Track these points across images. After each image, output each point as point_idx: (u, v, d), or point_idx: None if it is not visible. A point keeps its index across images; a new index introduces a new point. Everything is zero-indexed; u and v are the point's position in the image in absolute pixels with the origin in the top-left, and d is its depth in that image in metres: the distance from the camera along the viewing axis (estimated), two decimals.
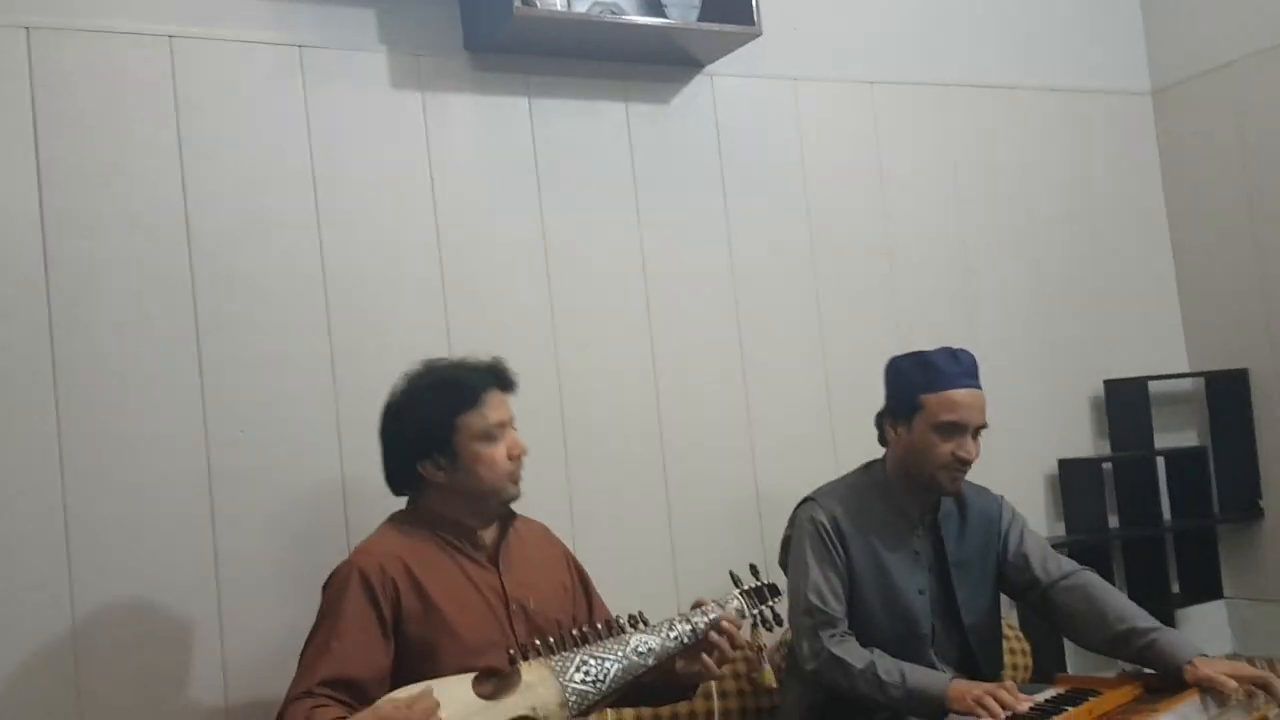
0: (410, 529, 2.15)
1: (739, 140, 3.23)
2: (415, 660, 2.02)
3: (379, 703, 1.84)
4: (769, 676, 2.35)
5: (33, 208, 2.38)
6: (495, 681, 1.98)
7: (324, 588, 2.09)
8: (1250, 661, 2.42)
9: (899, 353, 2.53)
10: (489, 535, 2.20)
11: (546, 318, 2.91)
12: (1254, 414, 3.82)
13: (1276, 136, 3.72)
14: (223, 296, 2.54)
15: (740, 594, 2.23)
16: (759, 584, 2.28)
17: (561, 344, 2.91)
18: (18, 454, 2.32)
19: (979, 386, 2.42)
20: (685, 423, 3.07)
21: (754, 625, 2.25)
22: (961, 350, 2.44)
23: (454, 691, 1.94)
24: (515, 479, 2.17)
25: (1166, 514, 3.79)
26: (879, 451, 2.56)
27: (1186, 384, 3.91)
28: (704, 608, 2.16)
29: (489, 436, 2.12)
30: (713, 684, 2.63)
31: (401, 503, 2.23)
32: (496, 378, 2.18)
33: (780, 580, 2.49)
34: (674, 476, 3.04)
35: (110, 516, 2.38)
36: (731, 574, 2.27)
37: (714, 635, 2.11)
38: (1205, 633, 3.68)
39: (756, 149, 3.26)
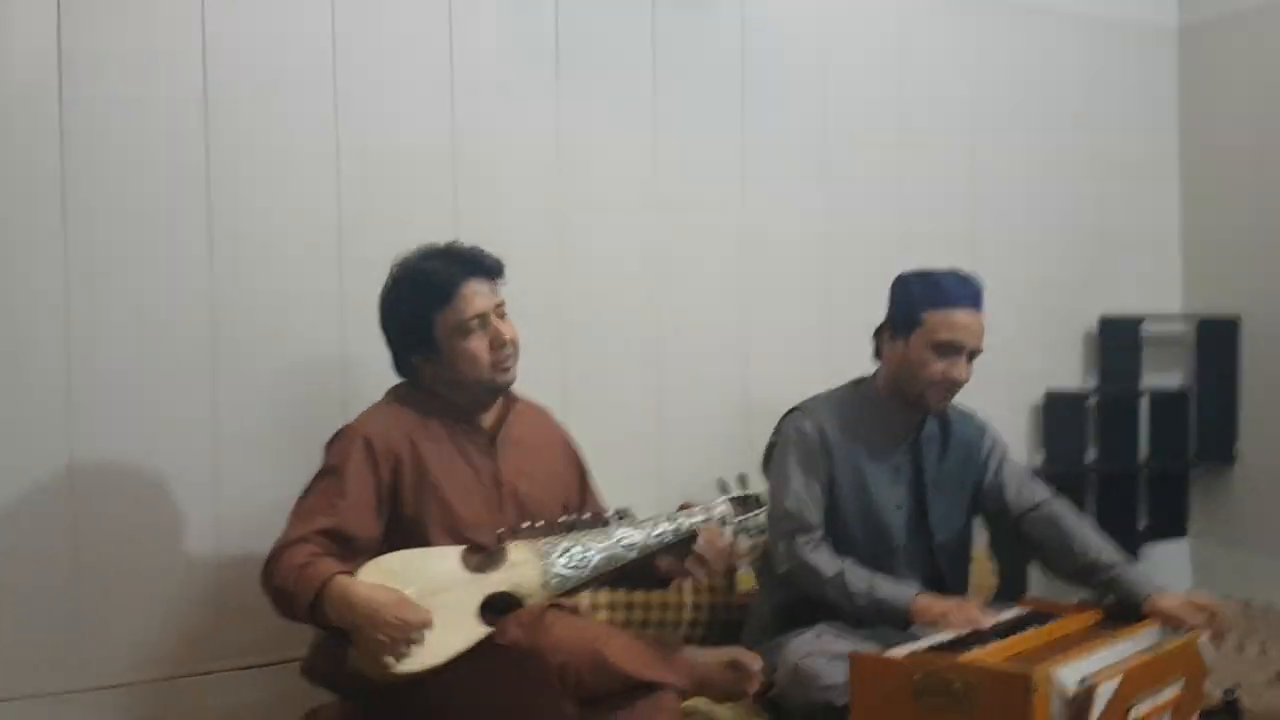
0: (414, 404, 2.19)
1: (762, 45, 3.21)
2: (407, 531, 2.08)
3: (379, 597, 1.88)
4: (748, 580, 2.41)
5: (50, 47, 2.36)
6: (482, 556, 2.05)
7: (328, 445, 2.13)
8: None
9: (899, 271, 2.55)
10: (489, 418, 2.24)
11: (554, 205, 2.92)
12: (1240, 362, 3.88)
13: None
14: (234, 154, 2.54)
15: (726, 500, 2.28)
16: (745, 493, 2.33)
17: (567, 233, 2.92)
18: (25, 304, 2.35)
19: (980, 311, 2.44)
20: (683, 323, 3.11)
21: (736, 532, 2.31)
22: (969, 274, 2.46)
23: (443, 559, 2.02)
24: (502, 367, 2.18)
25: (1144, 451, 3.87)
26: (871, 368, 2.60)
27: (1178, 326, 3.96)
28: (689, 510, 2.22)
29: (466, 330, 2.12)
30: (688, 587, 2.72)
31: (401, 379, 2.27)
32: (475, 267, 2.15)
33: (764, 486, 2.54)
34: (668, 375, 3.08)
35: (112, 370, 2.42)
36: (719, 481, 2.32)
37: (698, 544, 2.17)
38: (1167, 569, 3.79)
39: (779, 54, 3.23)
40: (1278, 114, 3.78)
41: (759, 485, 2.43)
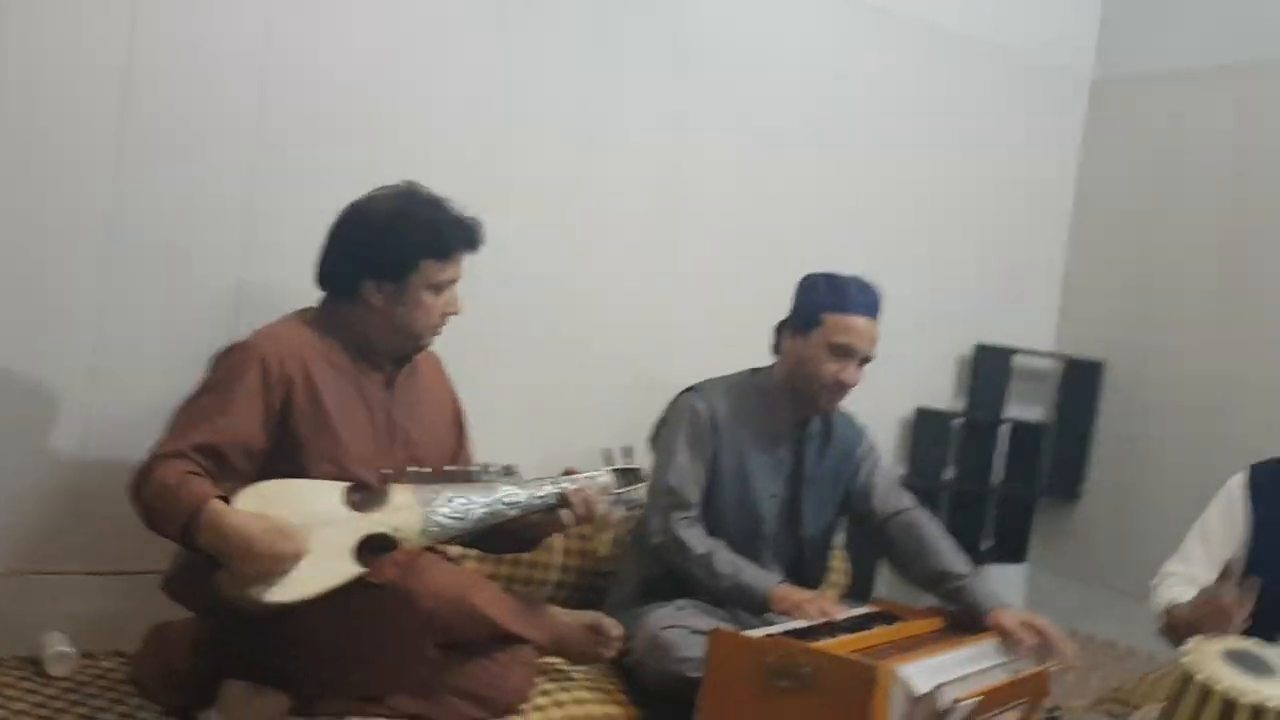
0: (320, 330, 2.16)
1: (703, 20, 3.26)
2: (291, 458, 2.06)
3: (253, 526, 1.85)
4: (604, 546, 2.43)
5: None
6: (365, 495, 2.04)
7: (218, 356, 2.08)
8: None
9: (801, 272, 2.63)
10: (392, 366, 2.23)
11: (484, 154, 2.91)
12: (1099, 404, 4.10)
13: (1199, 154, 3.92)
14: (156, 58, 2.46)
15: (610, 471, 2.33)
16: (629, 466, 2.38)
17: (487, 189, 2.90)
18: None
19: (877, 320, 2.54)
20: (587, 294, 3.15)
21: (613, 502, 2.35)
22: (872, 283, 2.56)
23: (324, 493, 2.00)
24: (437, 331, 2.21)
25: (998, 476, 4.06)
26: (767, 360, 2.68)
27: (1047, 363, 4.16)
28: (573, 476, 2.26)
29: (439, 288, 2.15)
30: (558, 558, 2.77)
31: (301, 303, 2.23)
32: (473, 239, 2.19)
33: (648, 460, 2.59)
34: (565, 343, 3.12)
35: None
36: (605, 450, 2.36)
37: (580, 505, 2.21)
38: (1002, 591, 3.97)
39: (716, 48, 3.29)
40: (1171, 179, 3.99)
41: (643, 460, 2.49)
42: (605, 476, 2.30)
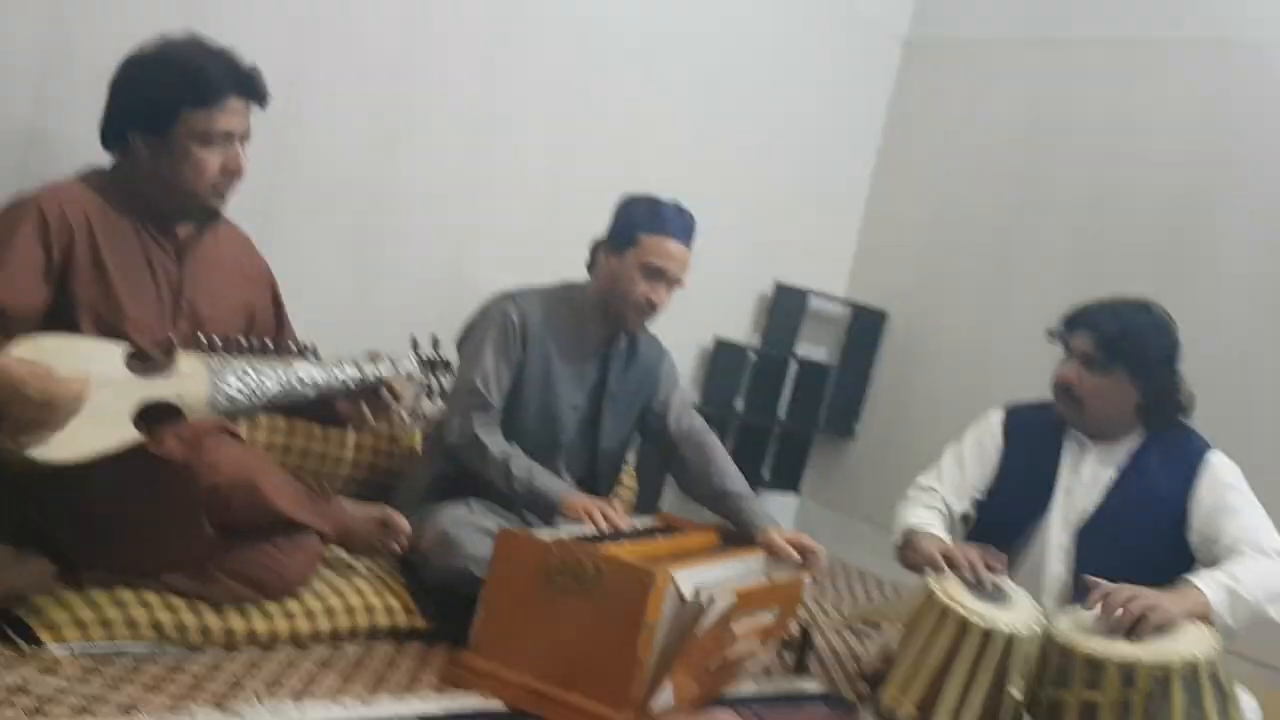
0: (106, 191, 2.05)
1: None
2: (68, 316, 1.96)
3: (23, 370, 1.75)
4: (415, 439, 2.45)
5: None
6: (150, 360, 1.96)
7: None
8: None
9: (618, 194, 2.68)
10: (183, 230, 2.13)
11: (293, 29, 2.79)
12: (879, 352, 4.35)
13: (995, 122, 4.16)
14: None
15: (416, 359, 2.32)
16: (437, 357, 2.38)
17: (299, 57, 2.80)
18: None
19: (689, 247, 2.62)
20: (409, 191, 3.10)
21: (418, 392, 2.36)
22: (687, 211, 2.63)
23: (106, 353, 1.92)
24: (220, 192, 2.09)
25: (782, 411, 4.26)
26: (583, 275, 2.72)
27: (837, 307, 4.37)
28: (377, 360, 2.24)
29: (208, 140, 2.02)
30: (351, 441, 2.75)
31: (98, 162, 2.11)
32: (245, 85, 2.06)
33: (455, 357, 2.60)
34: (375, 229, 3.07)
35: None
36: (413, 338, 2.36)
37: (383, 391, 2.20)
38: (773, 514, 4.20)
39: None
40: (968, 144, 4.23)
41: (450, 353, 2.49)
42: (410, 364, 2.29)
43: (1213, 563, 2.35)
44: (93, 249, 1.99)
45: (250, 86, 2.07)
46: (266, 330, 2.27)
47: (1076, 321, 2.54)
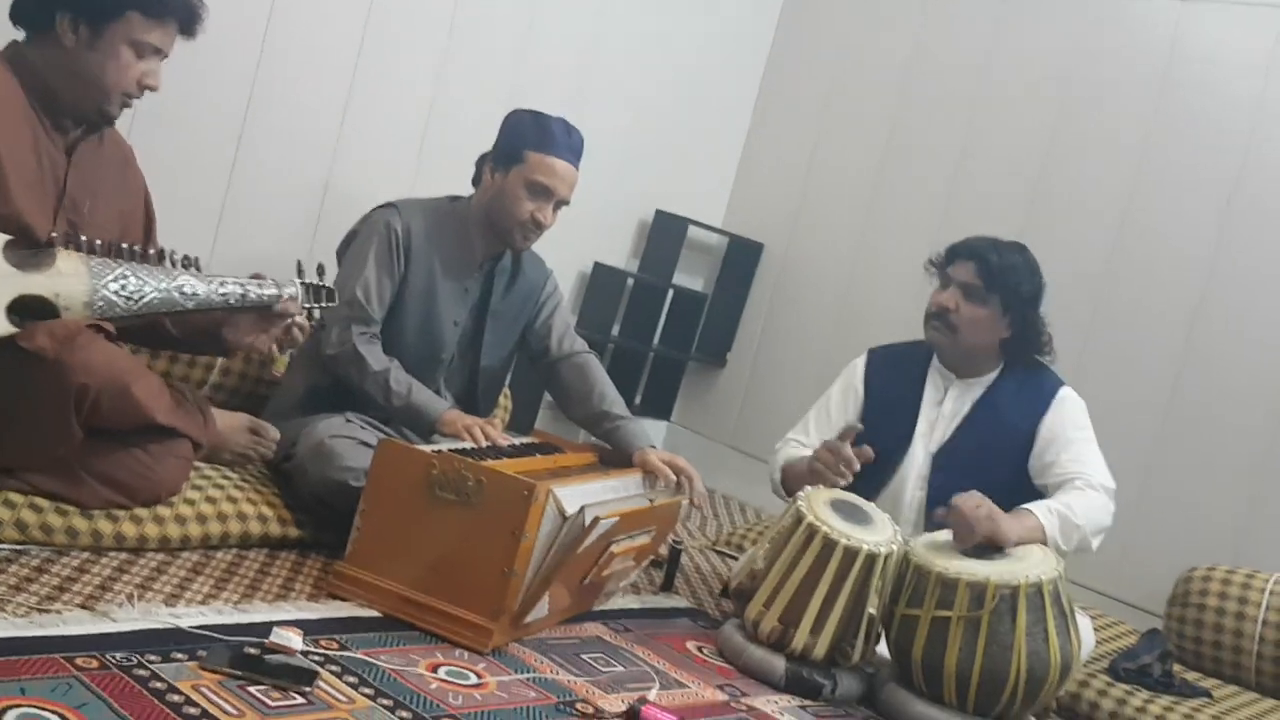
0: (17, 69, 1.98)
1: None
2: None
3: None
4: (281, 364, 2.36)
5: None
6: (27, 254, 1.89)
7: None
8: None
9: (501, 113, 2.65)
10: (74, 128, 2.07)
11: None
12: (753, 284, 4.43)
13: (876, 63, 4.25)
14: None
15: (301, 284, 2.27)
16: (321, 284, 2.33)
17: None
18: None
19: (576, 167, 2.61)
20: (279, 96, 2.99)
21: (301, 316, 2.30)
22: (576, 130, 2.61)
23: None
24: (127, 101, 2.07)
25: (656, 338, 4.32)
26: (468, 190, 2.69)
27: (714, 238, 4.43)
28: (262, 281, 2.19)
29: (138, 49, 2.01)
30: (219, 360, 2.68)
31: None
32: (190, 18, 2.06)
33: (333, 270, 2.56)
34: (254, 146, 2.96)
35: None
36: (298, 263, 2.30)
37: (280, 314, 2.15)
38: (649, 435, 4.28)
39: None
40: (851, 83, 4.31)
41: (332, 275, 2.44)
42: (295, 288, 2.24)
43: (1046, 492, 2.52)
44: None
45: (193, 18, 2.08)
46: (138, 241, 2.19)
47: (960, 251, 2.65)
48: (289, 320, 2.19)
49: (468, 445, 2.40)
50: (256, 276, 2.18)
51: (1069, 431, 2.58)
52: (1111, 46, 3.72)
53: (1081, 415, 2.62)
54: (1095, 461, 2.55)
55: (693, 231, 4.22)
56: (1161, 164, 3.58)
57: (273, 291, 2.18)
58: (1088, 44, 3.76)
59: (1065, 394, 2.64)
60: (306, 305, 2.26)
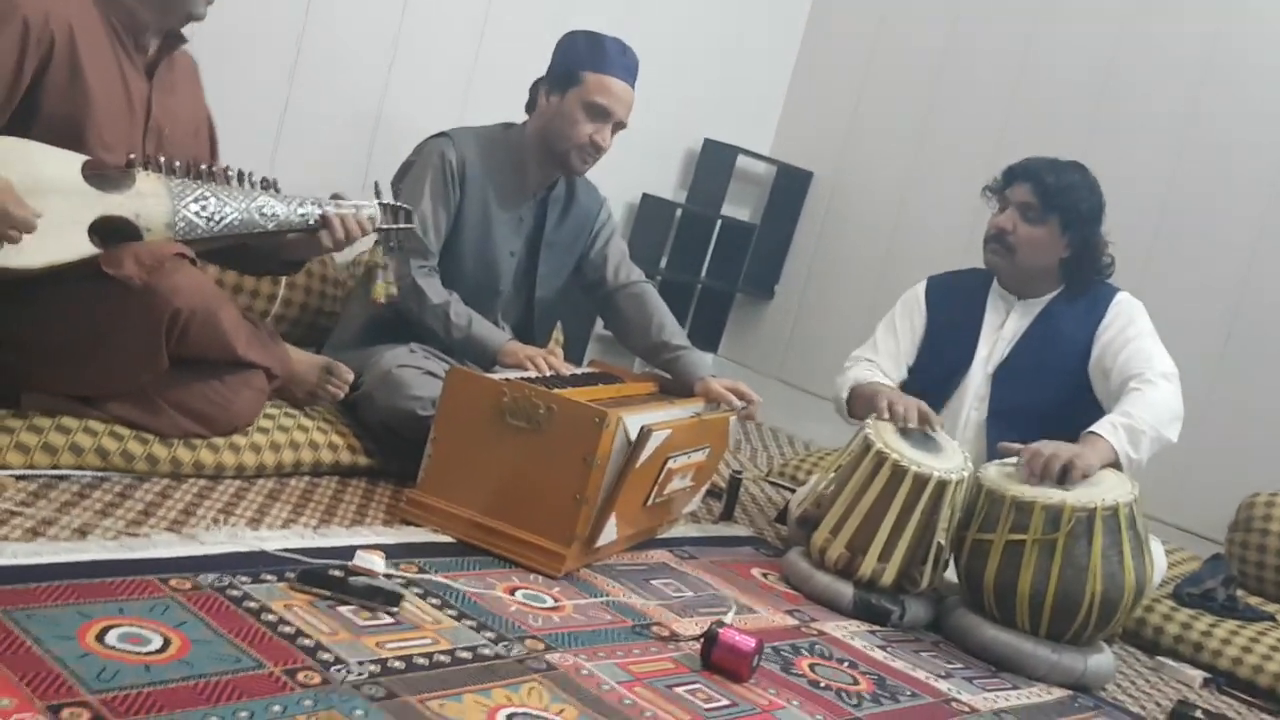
0: None
1: None
2: (41, 124, 1.87)
3: None
4: (380, 290, 2.33)
5: None
6: (108, 174, 1.89)
7: None
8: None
9: (551, 35, 2.60)
10: (152, 46, 2.05)
11: None
12: (802, 214, 4.39)
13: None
14: None
15: (379, 204, 2.26)
16: (400, 205, 2.32)
17: None
18: None
19: (633, 87, 2.56)
20: (331, 22, 2.96)
21: (377, 241, 2.30)
22: (630, 49, 2.56)
23: (63, 162, 1.85)
24: (199, 15, 2.04)
25: (704, 270, 4.29)
26: (521, 116, 2.66)
27: (763, 167, 4.37)
28: (339, 201, 2.18)
29: None
30: (283, 280, 2.68)
31: None
32: None
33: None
34: (305, 71, 2.94)
35: None
36: (375, 184, 2.29)
37: (335, 221, 2.15)
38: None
39: None
40: (902, 6, 4.22)
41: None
42: (373, 208, 2.24)
43: (1107, 400, 2.48)
44: (73, 56, 1.89)
45: None
46: (202, 156, 2.20)
47: (1017, 173, 2.61)
48: (360, 238, 2.19)
49: (531, 374, 2.40)
50: (335, 196, 2.18)
51: (1126, 331, 2.54)
52: None
53: (1139, 315, 2.57)
54: (1155, 352, 2.50)
55: (741, 161, 4.17)
56: (1226, 78, 3.49)
57: (351, 210, 2.18)
58: None
59: (1121, 298, 2.60)
60: (385, 226, 2.26)
